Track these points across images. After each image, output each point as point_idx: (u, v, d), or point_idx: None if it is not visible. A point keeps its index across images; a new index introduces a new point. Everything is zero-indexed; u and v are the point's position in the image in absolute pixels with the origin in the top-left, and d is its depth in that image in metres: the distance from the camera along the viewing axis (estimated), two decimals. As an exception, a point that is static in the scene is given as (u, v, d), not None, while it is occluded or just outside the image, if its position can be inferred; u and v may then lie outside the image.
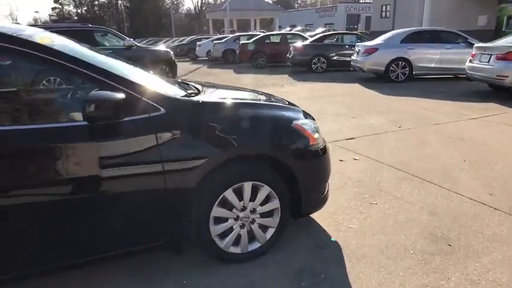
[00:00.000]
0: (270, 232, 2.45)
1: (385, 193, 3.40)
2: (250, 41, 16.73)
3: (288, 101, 2.85)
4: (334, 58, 13.29)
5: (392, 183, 3.61)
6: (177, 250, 2.26)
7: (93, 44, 8.90)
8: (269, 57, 16.15)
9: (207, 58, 21.85)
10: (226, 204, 2.26)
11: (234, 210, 2.30)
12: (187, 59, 24.41)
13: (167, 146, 2.01)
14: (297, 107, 2.74)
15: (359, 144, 4.90)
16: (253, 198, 2.32)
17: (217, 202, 2.21)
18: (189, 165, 2.07)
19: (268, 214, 2.42)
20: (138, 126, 1.98)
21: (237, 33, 22.93)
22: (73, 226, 1.93)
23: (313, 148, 2.46)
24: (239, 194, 2.28)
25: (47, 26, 9.17)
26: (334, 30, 23.52)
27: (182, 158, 2.05)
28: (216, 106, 2.28)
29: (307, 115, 2.66)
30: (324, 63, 13.36)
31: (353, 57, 11.23)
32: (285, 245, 2.56)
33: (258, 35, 18.59)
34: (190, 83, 2.93)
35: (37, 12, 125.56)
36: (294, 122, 2.40)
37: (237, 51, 17.03)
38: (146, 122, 2.00)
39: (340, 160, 4.28)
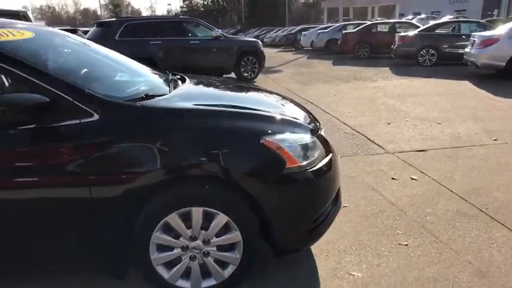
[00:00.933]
0: (230, 269, 1.99)
1: (427, 232, 2.60)
2: (354, 30, 15.58)
3: (307, 112, 2.38)
4: (447, 50, 11.48)
5: (444, 219, 2.76)
6: (118, 275, 1.97)
7: (185, 35, 9.21)
8: (373, 48, 14.86)
9: (311, 48, 21.20)
10: (171, 231, 1.89)
11: (181, 238, 1.91)
12: (293, 49, 24.10)
13: (97, 157, 1.73)
14: (297, 118, 2.18)
15: (428, 159, 3.98)
16: (207, 226, 1.90)
17: (157, 227, 1.86)
18: (122, 181, 1.75)
19: (229, 248, 1.96)
20: (65, 133, 1.73)
21: (344, 22, 21.69)
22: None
23: (292, 171, 1.90)
24: (187, 220, 1.88)
25: (132, 18, 9.75)
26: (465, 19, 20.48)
27: (113, 173, 1.75)
28: (164, 113, 1.90)
29: (312, 130, 2.14)
30: (434, 56, 11.65)
31: (466, 50, 9.49)
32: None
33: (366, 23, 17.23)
34: (185, 78, 2.62)
35: (169, 4, 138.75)
36: (264, 138, 1.88)
37: (339, 41, 16.04)
38: (74, 129, 1.73)
39: (393, 178, 3.50)
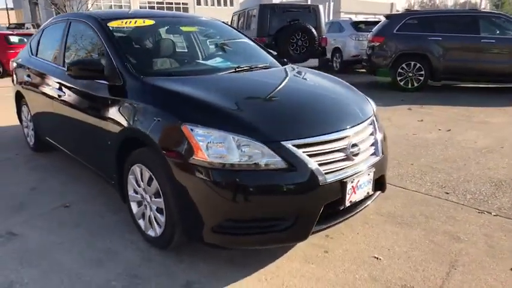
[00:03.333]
0: (159, 230, 2.33)
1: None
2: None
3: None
4: None
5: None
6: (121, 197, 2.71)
7: (476, 31, 7.95)
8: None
9: None
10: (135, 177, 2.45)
11: (140, 188, 2.43)
12: None
13: (116, 106, 2.53)
14: (258, 122, 2.09)
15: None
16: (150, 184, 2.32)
17: (129, 171, 2.46)
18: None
19: (160, 210, 2.29)
20: (106, 88, 2.62)
21: None
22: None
23: (197, 163, 1.98)
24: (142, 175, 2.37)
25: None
26: None
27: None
28: (149, 88, 2.39)
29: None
30: None
31: None
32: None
33: None
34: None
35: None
36: (184, 125, 2.03)
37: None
38: (105, 87, 2.60)
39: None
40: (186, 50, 3.27)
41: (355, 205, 2.34)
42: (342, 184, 2.13)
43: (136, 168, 2.39)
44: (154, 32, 3.31)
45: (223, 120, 2.08)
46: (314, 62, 8.50)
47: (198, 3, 45.19)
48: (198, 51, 3.33)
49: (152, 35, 3.31)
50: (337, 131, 2.18)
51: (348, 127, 2.24)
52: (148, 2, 40.67)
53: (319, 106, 2.40)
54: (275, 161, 1.98)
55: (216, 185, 1.96)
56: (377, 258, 2.33)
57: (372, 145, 2.44)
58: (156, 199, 2.28)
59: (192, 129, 2.01)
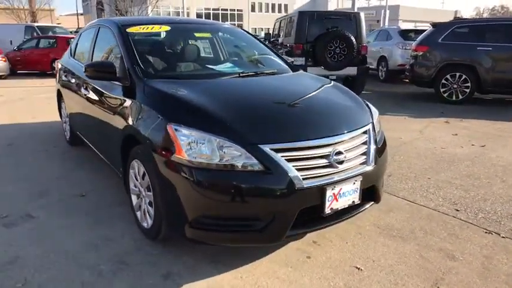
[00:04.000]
0: (150, 221, 2.48)
1: None
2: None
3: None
4: None
5: None
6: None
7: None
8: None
9: None
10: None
11: (137, 182, 2.60)
12: None
13: (123, 104, 2.75)
14: (237, 125, 2.17)
15: None
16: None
17: (130, 167, 2.65)
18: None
19: (150, 204, 2.45)
20: (117, 88, 2.85)
21: None
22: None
23: (177, 160, 2.10)
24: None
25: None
26: None
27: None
28: (150, 89, 2.56)
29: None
30: None
31: None
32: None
33: None
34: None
35: None
36: (170, 124, 2.16)
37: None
38: (118, 87, 2.82)
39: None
40: (196, 55, 3.41)
41: (341, 213, 2.33)
42: (321, 190, 2.14)
43: (134, 163, 2.56)
44: (168, 37, 3.51)
45: (206, 122, 2.18)
46: (352, 70, 8.34)
47: (253, 10, 45.99)
48: (209, 56, 3.47)
49: (165, 40, 3.51)
50: (319, 138, 2.20)
51: (331, 135, 2.25)
52: (205, 9, 42.13)
53: (307, 113, 2.42)
54: (252, 163, 2.05)
55: (194, 183, 2.06)
56: (358, 268, 2.30)
57: (363, 154, 2.41)
58: (148, 193, 2.44)
59: (176, 129, 2.14)
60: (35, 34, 15.43)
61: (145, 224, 2.56)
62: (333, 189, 2.18)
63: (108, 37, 3.29)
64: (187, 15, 39.58)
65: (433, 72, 7.90)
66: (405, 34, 11.41)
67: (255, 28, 42.67)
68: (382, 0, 33.97)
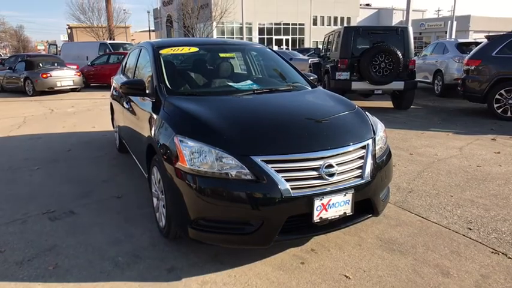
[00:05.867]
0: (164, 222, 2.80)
1: None
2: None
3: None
4: None
5: None
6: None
7: None
8: None
9: None
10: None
11: (156, 187, 2.95)
12: None
13: (150, 118, 3.13)
14: (230, 138, 2.43)
15: None
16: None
17: (152, 173, 3.02)
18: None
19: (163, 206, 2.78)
20: (147, 103, 3.26)
21: None
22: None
23: (180, 168, 2.40)
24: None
25: None
26: None
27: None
28: (168, 105, 2.91)
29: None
30: None
31: None
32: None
33: None
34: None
35: None
36: (176, 136, 2.48)
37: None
38: (149, 103, 3.23)
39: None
40: (218, 74, 3.73)
41: (337, 223, 2.48)
42: (309, 200, 2.32)
43: (154, 170, 2.92)
44: (194, 58, 3.89)
45: (207, 135, 2.46)
46: (399, 84, 8.21)
47: (314, 23, 46.13)
48: (230, 74, 3.77)
49: (192, 60, 3.89)
50: (310, 152, 2.38)
51: (323, 149, 2.42)
52: (268, 23, 43.12)
53: (303, 128, 2.60)
54: (244, 172, 2.29)
55: (193, 188, 2.35)
56: (347, 277, 2.42)
57: (359, 168, 2.54)
58: (162, 196, 2.77)
59: (181, 140, 2.45)
60: (107, 50, 17.04)
61: (161, 224, 2.89)
62: (321, 199, 2.34)
63: (146, 57, 3.73)
64: (250, 31, 40.83)
65: (486, 86, 7.53)
66: (463, 47, 10.91)
67: (316, 41, 42.67)
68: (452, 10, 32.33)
